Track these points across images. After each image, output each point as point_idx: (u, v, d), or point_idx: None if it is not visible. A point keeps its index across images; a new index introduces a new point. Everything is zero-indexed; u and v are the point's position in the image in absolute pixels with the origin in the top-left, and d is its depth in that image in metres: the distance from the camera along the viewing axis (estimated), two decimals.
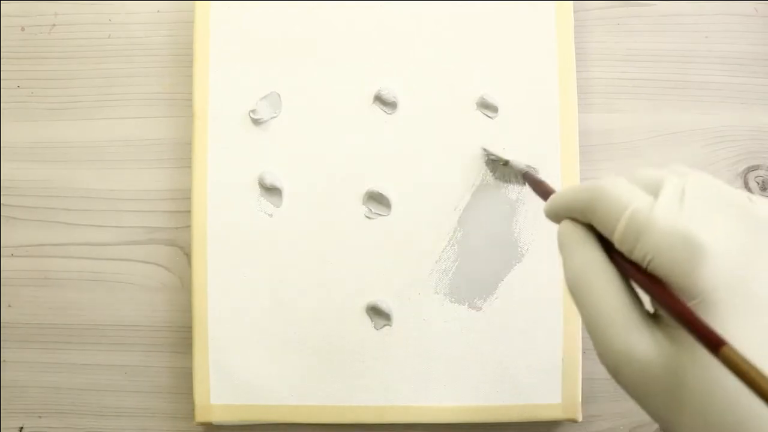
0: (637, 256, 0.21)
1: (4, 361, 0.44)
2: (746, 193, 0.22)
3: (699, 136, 0.43)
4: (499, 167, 0.40)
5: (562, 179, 0.40)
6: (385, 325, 0.40)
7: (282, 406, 0.40)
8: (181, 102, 0.44)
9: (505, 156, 0.40)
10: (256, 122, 0.41)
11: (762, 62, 0.43)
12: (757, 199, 0.22)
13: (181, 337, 0.43)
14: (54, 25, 0.45)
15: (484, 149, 0.40)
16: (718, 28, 0.43)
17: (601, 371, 0.42)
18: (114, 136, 0.44)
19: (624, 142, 0.43)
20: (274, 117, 0.41)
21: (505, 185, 0.40)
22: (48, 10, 0.45)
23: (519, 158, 0.39)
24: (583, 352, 0.41)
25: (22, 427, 0.44)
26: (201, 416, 0.40)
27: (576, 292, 0.23)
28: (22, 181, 0.44)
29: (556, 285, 0.40)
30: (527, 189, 0.40)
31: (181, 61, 0.44)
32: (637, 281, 0.22)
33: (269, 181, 0.41)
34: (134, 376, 0.43)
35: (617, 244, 0.22)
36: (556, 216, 0.25)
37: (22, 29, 0.45)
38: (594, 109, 0.43)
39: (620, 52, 0.43)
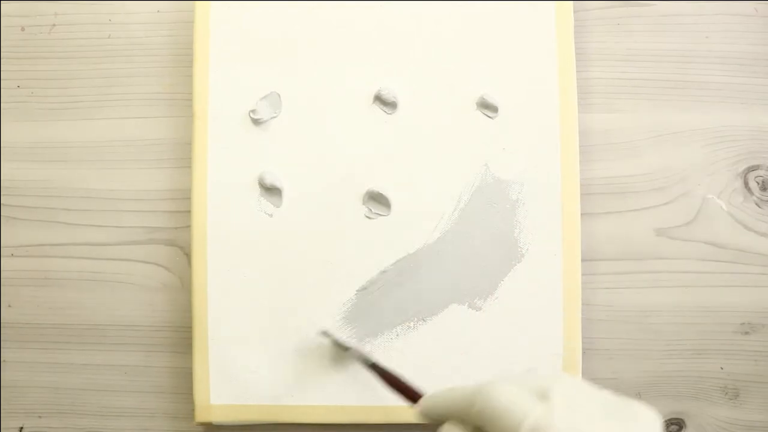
0: None
1: (4, 361, 0.44)
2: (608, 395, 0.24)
3: (699, 136, 0.43)
4: (341, 352, 0.39)
5: (562, 179, 0.40)
6: None
7: (282, 406, 0.40)
8: (181, 102, 0.44)
9: (346, 343, 0.39)
10: (256, 122, 0.41)
11: (762, 62, 0.43)
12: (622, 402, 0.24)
13: (181, 337, 0.43)
14: (54, 25, 0.45)
15: (324, 333, 0.39)
16: (718, 28, 0.43)
17: (601, 371, 0.42)
18: (114, 136, 0.44)
19: (624, 142, 0.43)
20: (274, 117, 0.41)
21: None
22: (48, 10, 0.45)
23: (359, 347, 0.39)
24: (583, 352, 0.41)
25: (22, 427, 0.44)
26: (201, 416, 0.40)
27: None
28: (22, 181, 0.44)
29: (556, 285, 0.40)
30: (527, 189, 0.40)
31: (181, 61, 0.44)
32: None
33: (269, 181, 0.41)
34: (134, 376, 0.43)
35: None
36: (434, 419, 0.26)
37: (22, 29, 0.45)
38: (594, 109, 0.43)
39: (620, 52, 0.43)
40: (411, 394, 0.32)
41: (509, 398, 0.23)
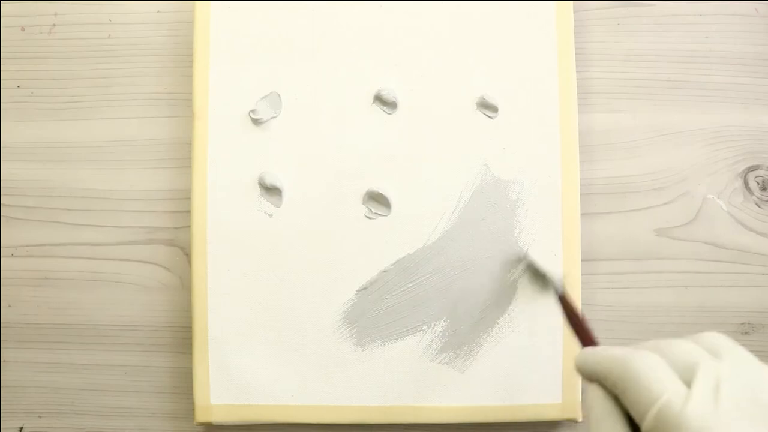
0: None
1: (4, 361, 0.44)
2: None
3: (699, 136, 0.43)
4: (536, 277, 0.39)
5: (563, 179, 0.40)
6: None
7: (282, 406, 0.40)
8: (181, 102, 0.44)
9: (545, 270, 0.39)
10: (256, 122, 0.41)
11: (762, 62, 0.43)
12: None
13: (181, 337, 0.43)
14: (54, 25, 0.45)
15: (528, 261, 0.39)
16: (718, 28, 0.43)
17: None
18: (114, 136, 0.44)
19: (624, 142, 0.43)
20: (274, 117, 0.41)
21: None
22: (48, 10, 0.45)
23: (557, 275, 0.39)
24: None
25: (22, 427, 0.44)
26: (201, 416, 0.40)
27: None
28: (22, 181, 0.44)
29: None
30: (527, 189, 0.40)
31: (181, 61, 0.44)
32: None
33: (269, 181, 0.41)
34: (134, 376, 0.43)
35: None
36: (586, 377, 0.25)
37: (22, 29, 0.45)
38: (594, 109, 0.43)
39: (620, 52, 0.43)
40: (585, 339, 0.31)
41: (650, 376, 0.21)
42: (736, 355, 0.22)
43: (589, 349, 0.25)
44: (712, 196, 0.42)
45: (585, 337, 0.31)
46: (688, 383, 0.21)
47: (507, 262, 0.40)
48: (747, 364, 0.22)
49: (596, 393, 0.24)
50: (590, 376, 0.25)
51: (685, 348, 0.23)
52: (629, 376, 0.22)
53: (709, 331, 0.24)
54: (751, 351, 0.42)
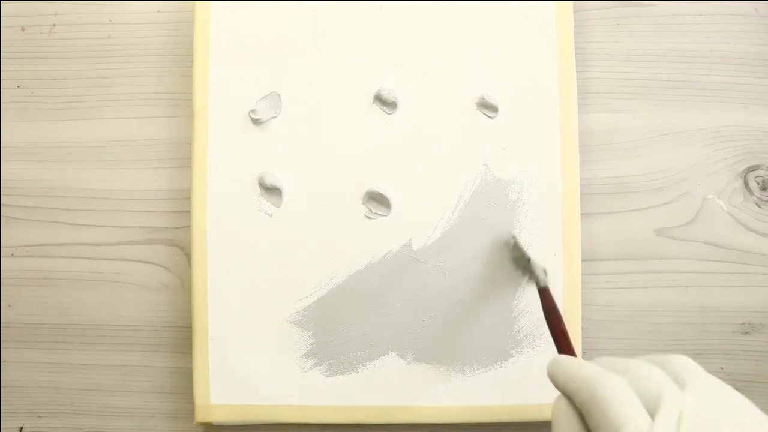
0: None
1: (4, 361, 0.44)
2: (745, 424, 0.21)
3: (699, 136, 0.43)
4: (521, 261, 0.39)
5: (563, 179, 0.40)
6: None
7: (282, 406, 0.40)
8: (181, 102, 0.44)
9: (528, 254, 0.38)
10: (256, 122, 0.41)
11: (762, 62, 0.43)
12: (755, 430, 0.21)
13: (181, 337, 0.43)
14: (54, 25, 0.45)
15: (514, 237, 0.39)
16: (718, 28, 0.43)
17: None
18: (114, 136, 0.44)
19: (624, 142, 0.43)
20: (274, 117, 0.41)
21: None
22: (48, 10, 0.45)
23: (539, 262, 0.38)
24: (583, 352, 0.41)
25: (22, 427, 0.44)
26: (201, 416, 0.40)
27: None
28: (22, 181, 0.44)
29: (556, 285, 0.40)
30: (527, 189, 0.40)
31: (181, 61, 0.44)
32: None
33: (269, 181, 0.41)
34: (134, 376, 0.43)
35: None
36: (556, 386, 0.25)
37: (22, 29, 0.45)
38: (594, 109, 0.43)
39: (620, 52, 0.43)
40: (561, 342, 0.31)
41: (613, 400, 0.22)
42: (701, 385, 0.22)
43: (562, 362, 0.26)
44: (712, 196, 0.42)
45: (562, 340, 0.31)
46: (652, 413, 0.21)
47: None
48: (710, 395, 0.22)
49: (563, 408, 0.24)
50: (559, 388, 0.25)
51: (652, 374, 0.23)
52: (596, 401, 0.22)
53: (677, 353, 0.24)
54: (751, 351, 0.42)
